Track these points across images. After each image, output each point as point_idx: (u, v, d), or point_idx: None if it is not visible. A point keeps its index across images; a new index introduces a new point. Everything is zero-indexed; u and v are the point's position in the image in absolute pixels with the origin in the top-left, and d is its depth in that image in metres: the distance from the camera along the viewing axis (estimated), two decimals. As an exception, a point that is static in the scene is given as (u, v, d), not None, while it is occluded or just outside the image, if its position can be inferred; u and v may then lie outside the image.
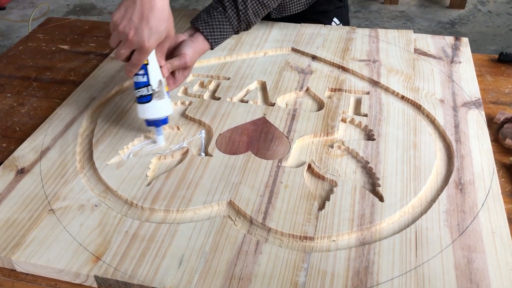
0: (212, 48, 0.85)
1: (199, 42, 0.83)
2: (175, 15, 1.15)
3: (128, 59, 0.70)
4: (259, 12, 0.89)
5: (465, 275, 0.56)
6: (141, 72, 0.72)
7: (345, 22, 1.16)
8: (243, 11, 0.86)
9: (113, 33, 0.69)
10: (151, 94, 0.72)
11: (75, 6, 3.21)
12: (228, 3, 0.85)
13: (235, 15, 0.85)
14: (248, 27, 0.90)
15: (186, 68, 0.80)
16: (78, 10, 3.16)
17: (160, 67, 0.74)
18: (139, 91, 0.73)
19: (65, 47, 1.09)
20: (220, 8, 0.85)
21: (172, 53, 0.80)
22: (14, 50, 1.08)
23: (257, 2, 0.87)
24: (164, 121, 0.75)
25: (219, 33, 0.84)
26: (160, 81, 0.73)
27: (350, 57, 0.96)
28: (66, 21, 1.21)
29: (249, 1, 0.85)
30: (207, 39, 0.83)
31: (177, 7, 3.13)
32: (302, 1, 1.04)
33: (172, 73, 0.80)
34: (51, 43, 1.11)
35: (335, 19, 1.13)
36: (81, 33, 1.15)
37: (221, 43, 0.87)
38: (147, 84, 0.72)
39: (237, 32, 0.89)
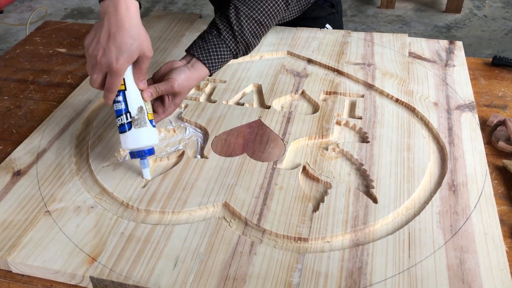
0: (210, 75, 0.79)
1: (196, 68, 0.76)
2: (171, 19, 1.16)
3: (103, 85, 0.68)
4: (256, 32, 0.81)
5: (457, 276, 0.56)
6: (119, 98, 0.68)
7: (338, 28, 1.16)
8: (239, 31, 0.79)
9: (87, 58, 0.68)
10: (130, 122, 0.67)
11: (72, 10, 3.22)
12: (222, 25, 0.79)
13: (231, 37, 0.79)
14: (247, 49, 0.82)
15: (175, 94, 0.74)
16: (76, 14, 3.16)
17: (141, 91, 0.70)
18: (118, 119, 0.68)
19: (62, 50, 1.10)
20: (215, 32, 0.79)
21: (163, 79, 0.75)
22: (12, 53, 1.09)
23: (253, 21, 0.80)
24: (149, 151, 0.69)
25: (216, 57, 0.78)
26: (140, 107, 0.68)
27: (345, 61, 0.97)
28: (63, 25, 1.21)
29: (244, 21, 0.79)
30: (205, 64, 0.77)
31: (174, 11, 3.14)
32: (295, 9, 1.04)
33: (162, 101, 0.75)
34: (48, 46, 1.11)
35: (327, 26, 1.14)
36: (78, 36, 1.15)
37: (220, 68, 0.80)
38: (126, 111, 0.68)
39: (236, 56, 0.81)
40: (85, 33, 1.17)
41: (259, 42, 0.84)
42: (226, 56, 0.79)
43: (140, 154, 0.68)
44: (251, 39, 0.81)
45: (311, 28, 1.09)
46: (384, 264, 0.58)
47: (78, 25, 1.21)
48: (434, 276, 0.56)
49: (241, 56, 0.83)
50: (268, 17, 0.82)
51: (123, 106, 0.68)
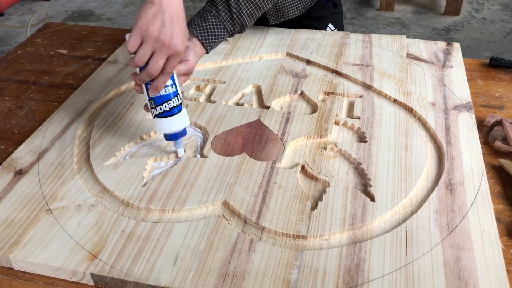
0: (207, 52, 0.83)
1: (197, 47, 0.81)
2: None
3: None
4: (253, 13, 0.86)
5: (453, 272, 0.57)
6: (169, 82, 0.68)
7: (339, 28, 1.17)
8: (237, 13, 0.83)
9: (146, 43, 0.65)
10: (180, 103, 0.69)
11: (73, 12, 3.23)
12: (221, 6, 0.83)
13: (228, 18, 0.83)
14: (242, 29, 0.87)
15: (188, 74, 0.78)
16: (76, 16, 3.18)
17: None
18: (169, 103, 0.68)
19: (63, 51, 1.11)
20: (214, 11, 0.83)
21: None
22: (13, 55, 1.10)
23: (251, 4, 0.85)
24: (184, 131, 0.72)
25: (213, 37, 0.82)
26: (181, 90, 0.71)
27: (343, 62, 0.98)
28: (65, 26, 1.22)
29: (242, 3, 0.84)
30: (202, 44, 0.81)
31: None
32: (299, 5, 1.05)
33: None
34: (50, 48, 1.12)
35: (330, 25, 1.15)
36: (79, 38, 1.16)
37: (215, 47, 0.84)
38: (176, 93, 0.68)
39: (231, 35, 0.87)
40: (86, 35, 1.18)
41: (253, 22, 0.89)
42: (222, 36, 0.84)
43: (179, 134, 0.71)
44: (248, 21, 0.86)
45: (310, 29, 1.10)
46: (381, 261, 0.59)
47: (79, 27, 1.22)
48: (430, 273, 0.57)
49: (236, 33, 0.87)
50: (265, 0, 0.87)
51: (174, 89, 0.69)
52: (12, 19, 3.13)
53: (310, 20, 1.12)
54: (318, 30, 1.10)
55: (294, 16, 1.07)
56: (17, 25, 3.02)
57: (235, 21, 0.84)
